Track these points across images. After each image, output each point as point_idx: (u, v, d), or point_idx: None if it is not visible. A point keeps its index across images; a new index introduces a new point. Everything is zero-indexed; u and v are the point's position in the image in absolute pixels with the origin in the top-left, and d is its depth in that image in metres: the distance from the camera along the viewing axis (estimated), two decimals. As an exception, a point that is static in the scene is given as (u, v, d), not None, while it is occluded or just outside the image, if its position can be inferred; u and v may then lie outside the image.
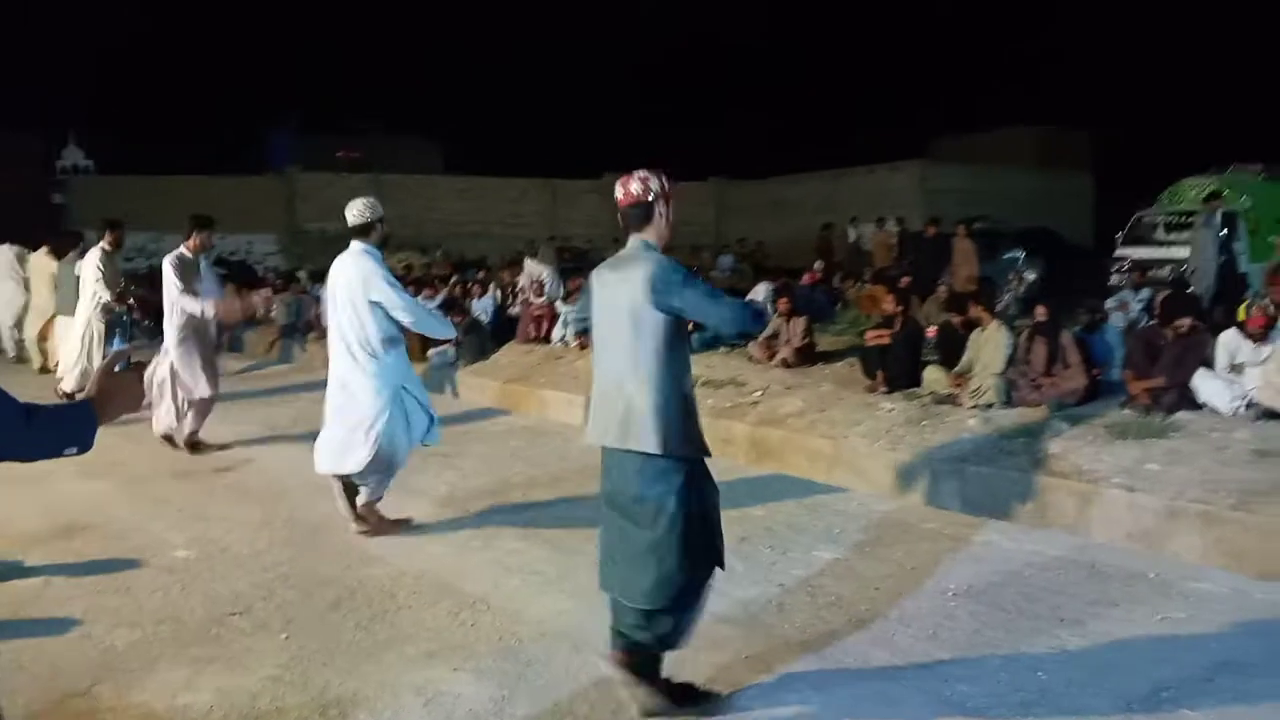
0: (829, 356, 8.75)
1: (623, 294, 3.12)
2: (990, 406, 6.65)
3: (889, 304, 8.42)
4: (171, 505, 5.83)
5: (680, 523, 3.03)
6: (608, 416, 3.14)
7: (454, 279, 14.12)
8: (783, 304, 9.02)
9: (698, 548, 3.09)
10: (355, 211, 5.25)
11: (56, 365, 10.13)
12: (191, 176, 25.07)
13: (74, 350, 9.02)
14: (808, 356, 8.65)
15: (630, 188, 3.21)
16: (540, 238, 21.69)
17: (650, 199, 3.20)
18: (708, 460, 3.19)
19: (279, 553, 4.95)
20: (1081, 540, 5.02)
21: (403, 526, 5.32)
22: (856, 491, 6.07)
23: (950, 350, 7.65)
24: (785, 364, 8.46)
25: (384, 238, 5.35)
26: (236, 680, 3.50)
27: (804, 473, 6.49)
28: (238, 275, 14.75)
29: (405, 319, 5.18)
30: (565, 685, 3.43)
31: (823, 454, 6.54)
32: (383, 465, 5.15)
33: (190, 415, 7.30)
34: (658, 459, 3.04)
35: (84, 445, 2.04)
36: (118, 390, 2.12)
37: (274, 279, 17.12)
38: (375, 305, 5.09)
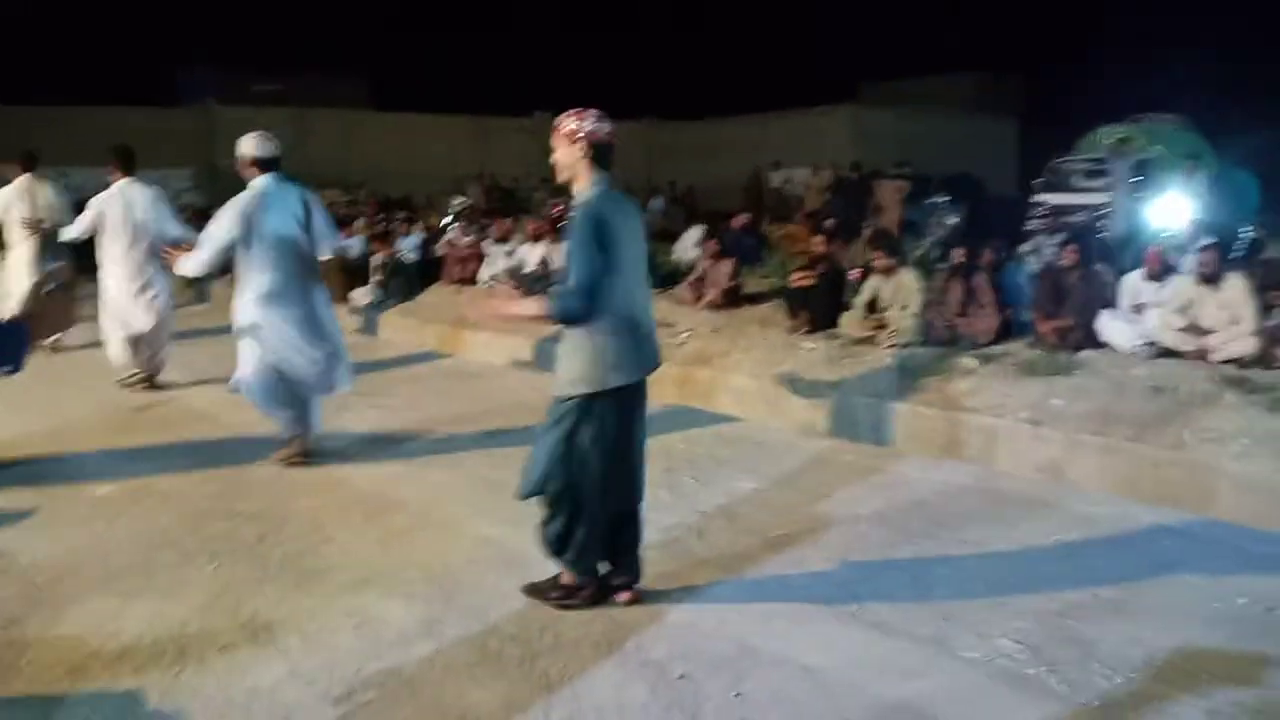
0: (755, 298, 8.91)
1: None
2: (907, 346, 6.88)
3: (817, 245, 8.58)
4: (94, 443, 5.76)
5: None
6: None
7: (380, 217, 13.88)
8: (710, 246, 9.13)
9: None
10: (272, 144, 5.27)
11: None
12: (103, 107, 24.02)
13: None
14: (734, 299, 8.79)
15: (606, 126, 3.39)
16: (469, 176, 21.42)
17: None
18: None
19: (205, 488, 4.95)
20: (988, 471, 5.29)
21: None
22: (777, 427, 6.27)
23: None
24: (712, 305, 8.60)
25: None
26: (166, 609, 3.54)
27: (729, 410, 6.67)
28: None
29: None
30: (494, 608, 3.54)
31: (747, 391, 6.72)
32: None
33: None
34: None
35: (16, 364, 2.04)
36: (49, 310, 2.13)
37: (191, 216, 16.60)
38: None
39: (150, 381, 7.35)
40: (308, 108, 26.38)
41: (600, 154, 3.35)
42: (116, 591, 3.70)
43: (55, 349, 8.41)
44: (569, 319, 3.29)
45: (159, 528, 4.39)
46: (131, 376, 7.34)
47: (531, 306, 3.54)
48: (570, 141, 3.34)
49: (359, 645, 3.29)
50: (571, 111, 3.39)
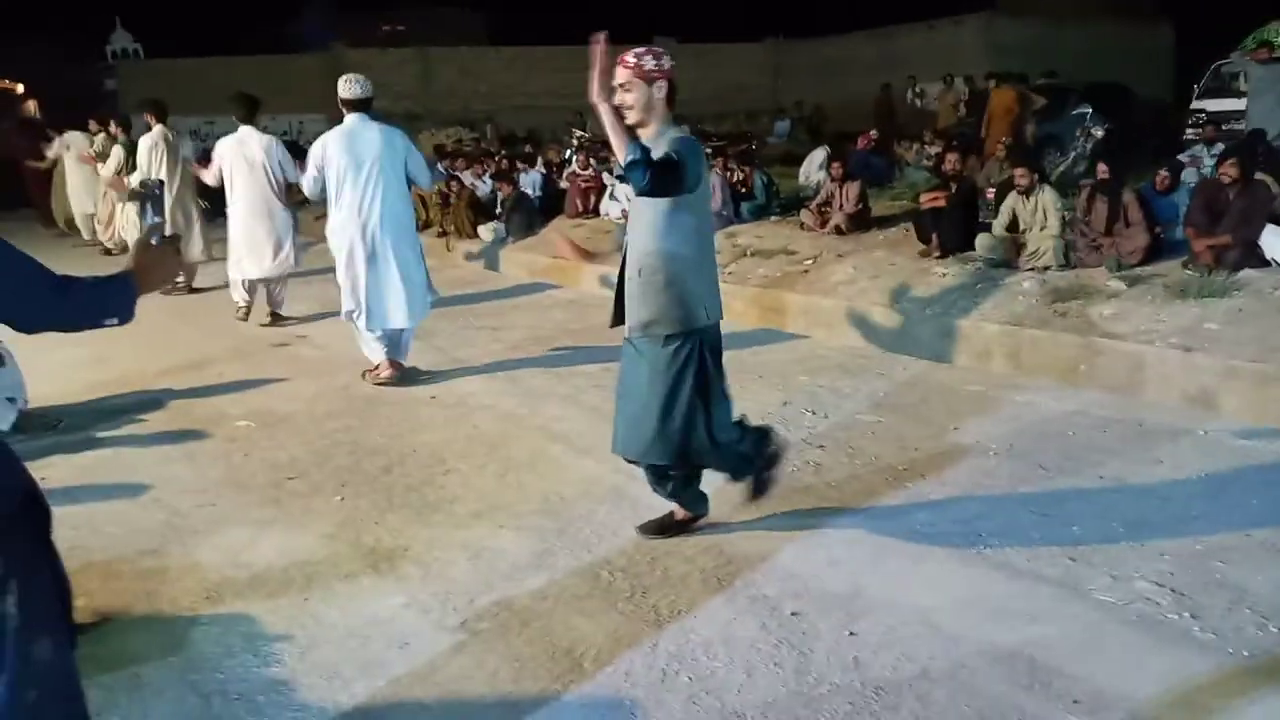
0: (883, 222, 8.55)
1: None
2: (1047, 269, 6.49)
3: (949, 163, 8.14)
4: (231, 378, 6.04)
5: None
6: None
7: (502, 153, 13.99)
8: (836, 168, 8.79)
9: None
10: (362, 86, 5.63)
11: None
12: (239, 57, 24.92)
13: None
14: (861, 223, 8.46)
15: None
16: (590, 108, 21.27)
17: None
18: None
19: (334, 422, 5.13)
20: (1131, 400, 4.95)
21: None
22: (903, 356, 6.03)
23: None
24: (838, 230, 8.30)
25: None
26: (294, 539, 3.69)
27: (853, 340, 6.46)
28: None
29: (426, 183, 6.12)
30: (605, 541, 3.54)
31: (872, 320, 6.48)
32: None
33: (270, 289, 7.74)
34: None
35: (124, 316, 2.09)
36: (155, 263, 2.17)
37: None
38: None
39: (274, 318, 7.64)
40: (428, 46, 26.68)
41: (674, 93, 3.21)
42: (250, 521, 3.88)
43: (191, 290, 8.93)
44: (643, 179, 2.96)
45: (291, 459, 4.58)
46: (247, 313, 7.66)
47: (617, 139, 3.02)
48: (649, 81, 3.16)
49: (474, 576, 3.35)
50: (637, 49, 3.20)
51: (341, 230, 5.62)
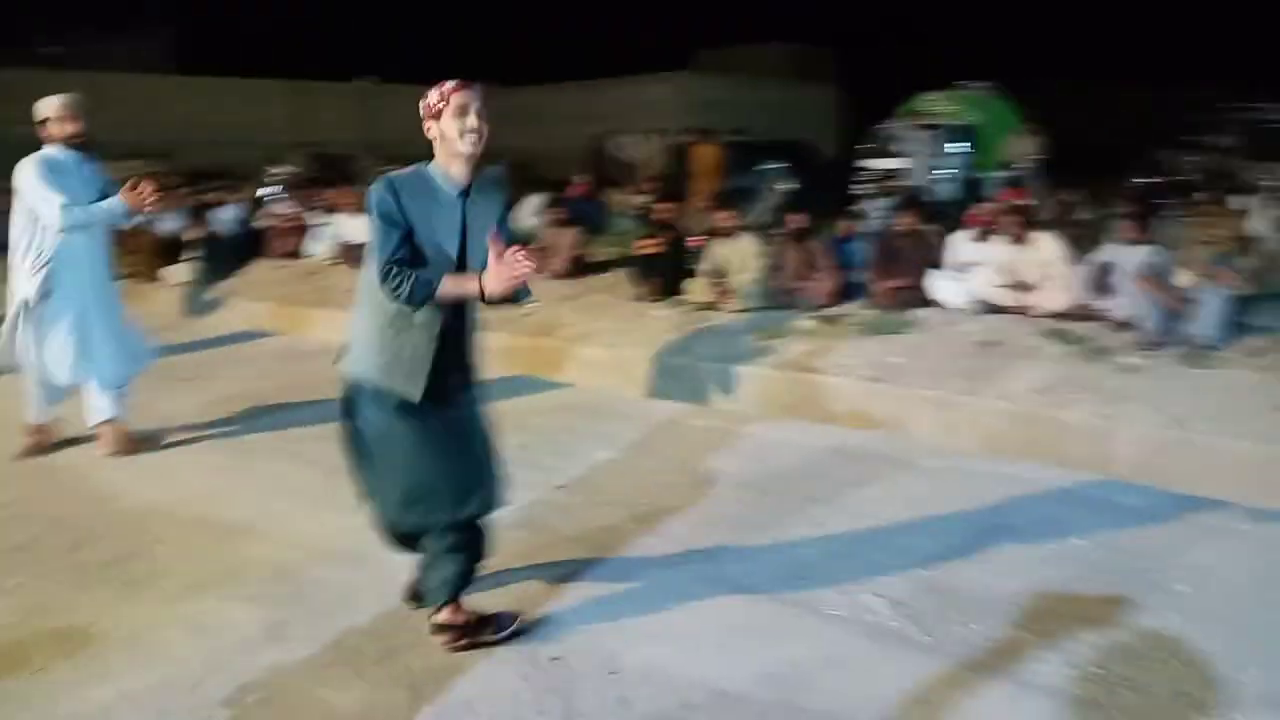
0: (599, 267, 8.81)
1: None
2: (750, 310, 6.97)
3: (661, 212, 8.54)
4: None
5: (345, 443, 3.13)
6: None
7: (190, 189, 12.92)
8: (553, 214, 8.96)
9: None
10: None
11: None
12: None
13: None
14: (579, 268, 8.67)
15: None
16: (293, 145, 20.33)
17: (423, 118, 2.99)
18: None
19: (8, 493, 4.45)
20: (835, 429, 5.41)
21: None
22: (630, 396, 6.22)
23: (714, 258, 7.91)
24: (557, 275, 8.44)
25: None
26: (-37, 634, 3.14)
27: (580, 380, 6.56)
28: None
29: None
30: (345, 604, 3.32)
31: (597, 362, 6.64)
32: None
33: None
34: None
35: None
36: None
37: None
38: None
39: None
40: (101, 71, 24.28)
41: None
42: (-99, 617, 3.25)
43: None
44: None
45: (-50, 540, 3.90)
46: None
47: None
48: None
49: (198, 656, 3.00)
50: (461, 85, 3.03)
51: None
